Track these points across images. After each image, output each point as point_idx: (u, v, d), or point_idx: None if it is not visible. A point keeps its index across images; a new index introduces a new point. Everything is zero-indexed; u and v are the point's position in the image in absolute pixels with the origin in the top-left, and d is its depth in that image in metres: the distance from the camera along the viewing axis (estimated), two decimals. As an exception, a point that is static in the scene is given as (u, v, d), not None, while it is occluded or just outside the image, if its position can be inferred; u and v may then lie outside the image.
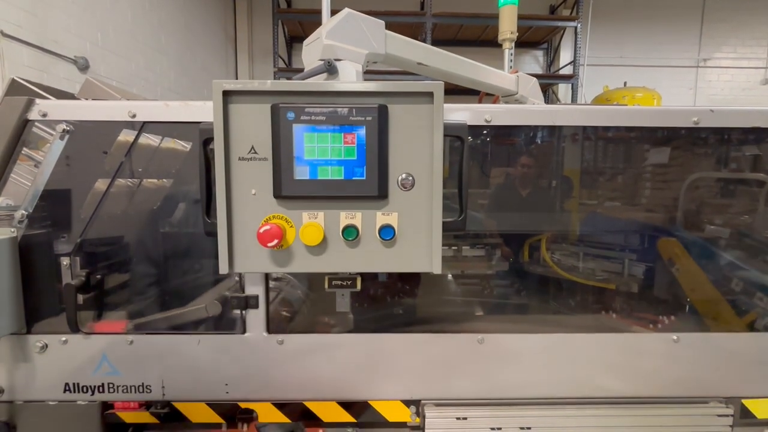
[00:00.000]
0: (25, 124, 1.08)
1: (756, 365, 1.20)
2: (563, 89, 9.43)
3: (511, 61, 1.82)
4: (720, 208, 1.53)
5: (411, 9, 7.75)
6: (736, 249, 1.47)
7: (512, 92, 1.46)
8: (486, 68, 1.34)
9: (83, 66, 4.77)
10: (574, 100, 8.93)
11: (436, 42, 7.39)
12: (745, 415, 1.22)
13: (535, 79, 1.53)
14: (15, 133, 1.07)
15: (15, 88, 1.33)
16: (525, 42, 9.28)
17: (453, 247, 1.58)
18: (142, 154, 1.29)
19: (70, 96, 1.41)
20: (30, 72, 4.16)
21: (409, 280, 1.33)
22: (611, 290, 1.64)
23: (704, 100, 10.33)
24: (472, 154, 1.50)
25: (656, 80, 9.84)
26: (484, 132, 1.42)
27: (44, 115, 1.08)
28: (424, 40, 7.39)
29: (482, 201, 1.71)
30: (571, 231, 1.73)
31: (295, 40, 8.72)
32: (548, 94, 9.79)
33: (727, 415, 1.19)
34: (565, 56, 9.44)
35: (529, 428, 1.16)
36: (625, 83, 9.29)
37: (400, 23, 6.76)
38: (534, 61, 10.01)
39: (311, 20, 7.07)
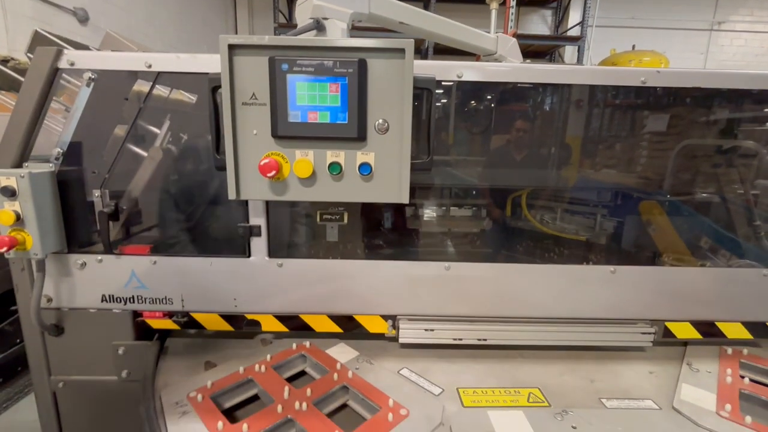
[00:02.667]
0: (56, 72, 1.24)
1: (679, 295, 1.42)
2: (570, 52, 9.17)
3: (511, 21, 1.90)
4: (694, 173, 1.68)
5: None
6: (705, 211, 1.67)
7: (491, 52, 1.59)
8: (465, 28, 1.46)
9: (83, 18, 4.76)
10: (580, 63, 8.74)
11: (439, 51, 7.10)
12: (667, 335, 1.47)
13: (514, 39, 1.65)
14: (48, 80, 1.24)
15: (38, 38, 1.48)
16: (533, 0, 8.94)
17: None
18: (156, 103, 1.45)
19: (84, 48, 1.55)
20: (32, 23, 4.19)
21: (393, 218, 1.54)
22: (581, 241, 1.85)
23: (714, 66, 10.06)
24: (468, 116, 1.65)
25: (668, 44, 9.57)
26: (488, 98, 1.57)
27: (72, 64, 1.24)
28: (425, 51, 7.12)
29: (470, 158, 1.88)
30: (548, 189, 1.91)
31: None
32: (554, 56, 9.56)
33: (650, 333, 1.43)
34: (574, 17, 9.10)
35: (485, 339, 1.41)
36: (633, 46, 9.03)
37: None
38: (542, 20, 9.68)
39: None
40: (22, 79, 1.47)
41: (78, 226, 1.33)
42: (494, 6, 1.86)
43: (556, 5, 9.25)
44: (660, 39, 9.58)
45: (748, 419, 1.09)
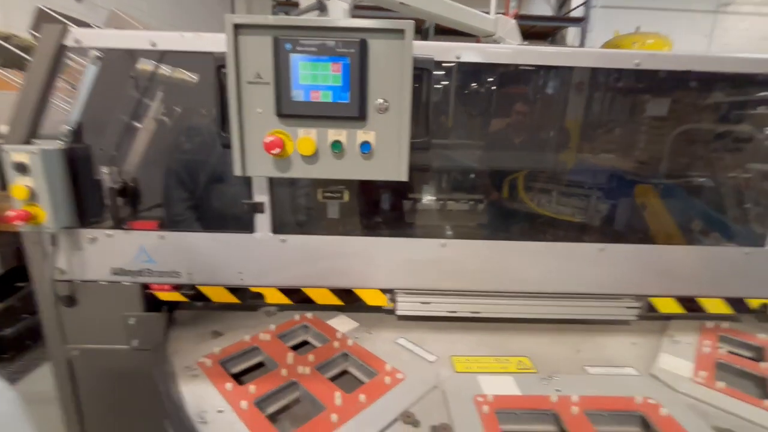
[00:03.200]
0: (62, 49, 1.27)
1: (664, 272, 1.49)
2: (573, 33, 9.03)
3: (513, 1, 1.89)
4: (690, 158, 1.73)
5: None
6: (694, 193, 1.72)
7: (490, 33, 1.61)
8: (465, 9, 1.48)
9: (78, -7, 4.65)
10: (582, 45, 8.61)
11: (440, 32, 6.99)
12: (651, 310, 1.54)
13: (513, 21, 1.67)
14: (55, 58, 1.26)
15: (42, 16, 1.49)
16: (536, -21, 8.72)
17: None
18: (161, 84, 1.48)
19: (86, 26, 1.56)
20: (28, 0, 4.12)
21: (393, 197, 1.59)
22: (575, 222, 1.91)
23: (719, 49, 9.93)
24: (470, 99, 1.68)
25: (672, 26, 9.42)
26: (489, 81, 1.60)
27: (78, 42, 1.26)
28: (426, 32, 7.00)
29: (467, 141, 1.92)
30: (542, 170, 1.96)
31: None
32: (556, 38, 9.42)
33: (635, 308, 1.51)
34: (578, -4, 8.90)
35: (478, 312, 1.49)
36: (637, 28, 8.89)
37: None
38: (544, 1, 9.49)
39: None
40: (24, 55, 1.48)
41: (88, 202, 1.37)
42: (495, -14, 1.85)
43: (560, -15, 9.06)
44: (664, 21, 9.43)
45: (721, 384, 1.18)
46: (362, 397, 1.08)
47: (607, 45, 8.99)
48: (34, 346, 3.31)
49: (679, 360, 1.31)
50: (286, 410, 1.13)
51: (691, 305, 1.54)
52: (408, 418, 1.03)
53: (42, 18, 1.47)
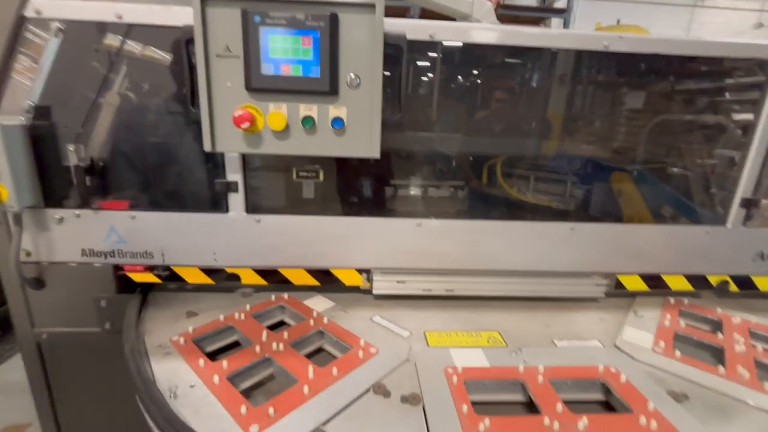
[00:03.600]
0: (22, 21, 1.22)
1: (630, 250, 1.55)
2: (556, 24, 9.10)
3: None
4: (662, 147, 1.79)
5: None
6: (663, 178, 1.78)
7: (467, 15, 1.61)
8: (441, -10, 1.48)
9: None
10: (564, 37, 8.69)
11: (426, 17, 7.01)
12: (618, 286, 1.60)
13: (490, 4, 1.67)
14: (14, 30, 1.21)
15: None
16: (521, -31, 8.72)
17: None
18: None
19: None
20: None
21: (369, 176, 1.60)
22: (550, 207, 1.96)
23: (695, 43, 10.15)
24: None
25: (651, 19, 9.60)
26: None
27: (38, 12, 1.21)
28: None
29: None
30: (519, 156, 2.00)
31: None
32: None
33: (602, 285, 1.56)
34: (562, -13, 8.94)
35: (452, 290, 1.52)
36: (618, 21, 9.02)
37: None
38: (529, -9, 9.51)
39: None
40: None
41: (53, 180, 1.34)
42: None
43: (545, -25, 9.09)
44: (644, 14, 9.61)
45: (678, 353, 1.24)
46: (335, 370, 1.09)
47: (588, 36, 9.09)
48: (3, 337, 3.22)
49: (641, 332, 1.37)
50: (260, 386, 1.13)
51: (656, 282, 1.61)
52: (379, 389, 1.05)
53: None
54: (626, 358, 1.24)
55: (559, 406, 0.98)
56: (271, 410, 0.94)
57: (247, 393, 1.09)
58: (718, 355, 1.29)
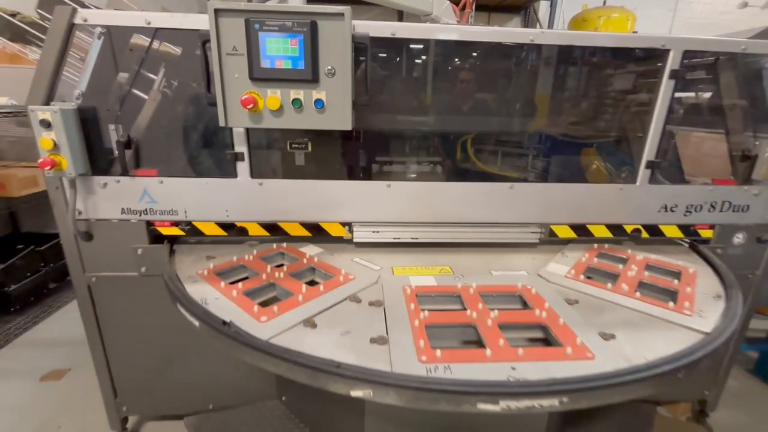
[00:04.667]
0: (72, 27, 1.56)
1: (561, 204, 1.92)
2: (544, 7, 9.26)
3: None
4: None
5: None
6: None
7: (428, 12, 1.95)
8: (405, -7, 1.82)
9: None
10: (552, 19, 8.87)
11: None
12: (552, 234, 1.99)
13: (448, 2, 2.01)
14: (66, 34, 1.55)
15: (47, -3, 1.75)
16: (508, -48, 8.83)
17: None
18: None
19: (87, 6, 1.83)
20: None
21: (349, 147, 1.97)
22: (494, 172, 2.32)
23: (682, 23, 10.33)
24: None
25: (638, 0, 9.72)
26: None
27: (85, 20, 1.55)
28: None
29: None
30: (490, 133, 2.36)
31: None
32: (528, 12, 9.63)
33: (538, 233, 1.95)
34: (549, -31, 9.05)
35: (416, 238, 1.90)
36: (604, 2, 9.18)
37: None
38: (519, -27, 9.60)
39: None
40: (29, 29, 1.76)
41: (98, 153, 1.70)
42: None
43: (533, -43, 9.18)
44: (632, -6, 9.73)
45: (582, 277, 1.63)
46: (322, 287, 1.49)
47: (574, 18, 9.27)
48: (39, 302, 3.64)
49: (561, 266, 1.76)
50: (266, 305, 1.52)
51: (582, 231, 1.99)
52: (354, 298, 1.44)
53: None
54: (542, 281, 1.63)
55: (480, 305, 1.38)
56: (275, 309, 1.33)
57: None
58: (614, 280, 1.69)
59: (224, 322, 1.23)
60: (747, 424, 2.56)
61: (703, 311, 1.40)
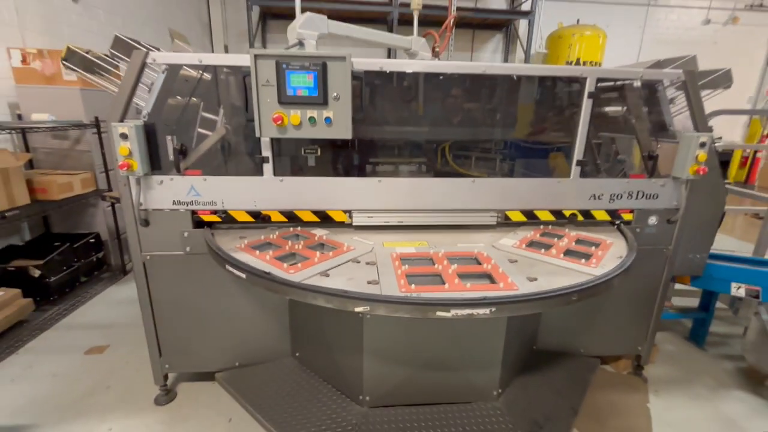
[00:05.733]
0: (143, 65, 2.10)
1: (513, 194, 2.48)
2: (523, 25, 10.00)
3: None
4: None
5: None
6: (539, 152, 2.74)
7: (408, 48, 2.53)
8: (390, 35, 2.39)
9: (75, -3, 5.26)
10: (530, 36, 9.61)
11: (403, 22, 8.37)
12: (507, 218, 2.55)
13: (423, 39, 2.59)
14: (139, 72, 2.09)
15: (118, 41, 2.30)
16: (489, -25, 9.57)
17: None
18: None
19: (143, 46, 2.38)
20: (35, 3, 4.76)
21: (350, 152, 2.52)
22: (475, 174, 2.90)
23: (651, 39, 11.20)
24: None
25: (610, 18, 10.58)
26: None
27: (153, 60, 2.10)
28: (391, 22, 8.27)
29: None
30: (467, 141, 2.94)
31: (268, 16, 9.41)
32: (509, 29, 10.40)
33: (495, 217, 2.51)
34: (528, -10, 9.77)
35: (402, 222, 2.45)
36: (578, 21, 9.97)
37: (370, 11, 8.30)
38: (499, -5, 10.37)
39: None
40: (99, 62, 2.31)
41: (157, 158, 2.23)
42: (415, 16, 2.76)
43: (512, -21, 9.97)
44: (603, 13, 10.56)
45: (524, 247, 2.19)
46: (331, 254, 2.03)
47: (550, 36, 10.06)
48: (73, 292, 4.10)
49: (511, 240, 2.32)
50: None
51: (531, 216, 2.56)
52: (355, 260, 1.98)
53: (118, 42, 2.27)
54: (495, 250, 2.19)
55: (446, 262, 1.93)
56: (299, 265, 1.87)
57: (283, 269, 2.01)
58: (549, 248, 2.25)
59: (266, 273, 1.76)
60: (680, 377, 3.13)
61: (604, 266, 1.96)
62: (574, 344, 2.91)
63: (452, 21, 3.00)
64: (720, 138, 11.24)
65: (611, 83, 2.63)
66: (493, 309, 1.53)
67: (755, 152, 10.27)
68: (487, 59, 10.77)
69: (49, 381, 2.88)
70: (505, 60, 10.63)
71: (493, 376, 2.33)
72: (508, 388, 2.48)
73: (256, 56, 1.89)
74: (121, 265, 4.60)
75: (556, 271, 1.92)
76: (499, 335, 2.23)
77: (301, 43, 2.06)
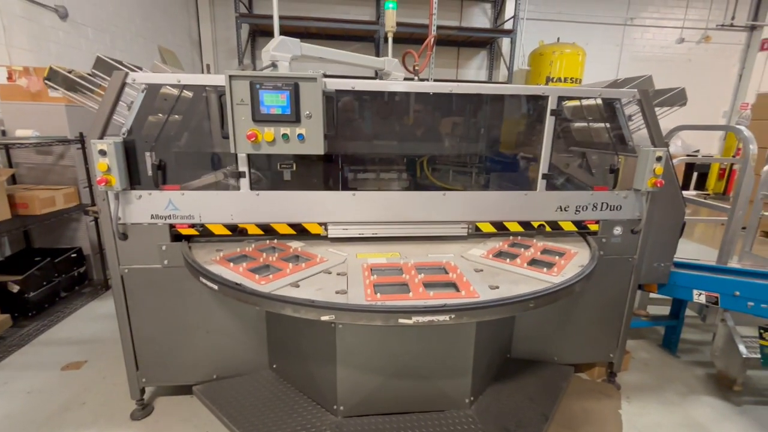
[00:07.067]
0: (123, 86, 2.18)
1: (483, 206, 2.59)
2: (506, 43, 10.34)
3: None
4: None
5: (369, 18, 9.20)
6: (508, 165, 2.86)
7: (381, 68, 2.66)
8: (364, 57, 2.51)
9: (63, 14, 5.40)
10: (512, 54, 9.91)
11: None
12: (477, 230, 2.64)
13: (396, 60, 2.72)
14: (119, 92, 2.17)
15: (100, 61, 2.38)
16: (473, -5, 9.91)
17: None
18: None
19: (125, 67, 2.47)
20: (22, 21, 4.85)
21: (324, 167, 2.61)
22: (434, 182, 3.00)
23: (628, 56, 11.64)
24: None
25: (589, 36, 11.00)
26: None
27: (133, 80, 2.18)
28: (378, 40, 8.62)
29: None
30: (443, 154, 3.06)
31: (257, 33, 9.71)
32: (493, 47, 10.73)
33: (465, 228, 2.60)
34: (509, 10, 10.18)
35: (376, 233, 2.53)
36: (558, 39, 10.35)
37: (358, 30, 8.71)
38: (483, 13, 10.77)
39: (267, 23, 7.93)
40: (81, 81, 2.38)
41: (136, 173, 2.30)
42: (390, 36, 2.90)
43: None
44: (583, 32, 10.97)
45: (491, 257, 2.28)
46: (303, 265, 2.09)
47: (532, 53, 10.41)
48: (52, 308, 4.08)
49: (480, 251, 2.41)
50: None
51: (500, 227, 2.66)
52: (326, 271, 2.05)
53: (99, 62, 2.36)
54: (463, 260, 2.27)
55: (413, 272, 2.01)
56: (270, 276, 1.93)
57: (256, 281, 2.06)
58: (515, 258, 2.34)
59: (237, 284, 1.82)
60: (652, 384, 3.20)
61: (565, 274, 2.05)
62: (547, 352, 2.98)
63: (432, 40, 3.15)
64: (698, 151, 11.60)
65: (578, 101, 2.78)
66: (453, 316, 1.60)
67: (731, 165, 10.63)
68: (472, 75, 11.08)
69: (24, 397, 2.86)
70: (490, 76, 10.94)
71: (465, 384, 2.38)
72: (480, 396, 2.54)
73: (231, 77, 1.99)
74: (104, 279, 4.59)
75: (518, 280, 2.01)
76: (468, 343, 2.30)
77: (274, 65, 2.17)
